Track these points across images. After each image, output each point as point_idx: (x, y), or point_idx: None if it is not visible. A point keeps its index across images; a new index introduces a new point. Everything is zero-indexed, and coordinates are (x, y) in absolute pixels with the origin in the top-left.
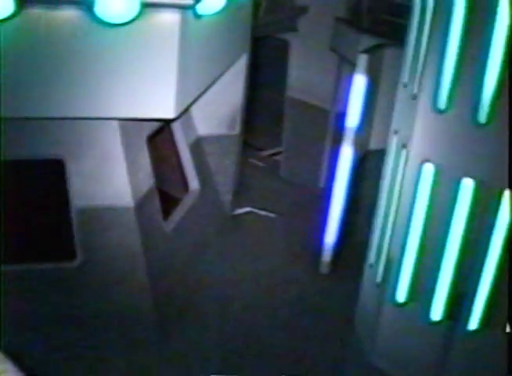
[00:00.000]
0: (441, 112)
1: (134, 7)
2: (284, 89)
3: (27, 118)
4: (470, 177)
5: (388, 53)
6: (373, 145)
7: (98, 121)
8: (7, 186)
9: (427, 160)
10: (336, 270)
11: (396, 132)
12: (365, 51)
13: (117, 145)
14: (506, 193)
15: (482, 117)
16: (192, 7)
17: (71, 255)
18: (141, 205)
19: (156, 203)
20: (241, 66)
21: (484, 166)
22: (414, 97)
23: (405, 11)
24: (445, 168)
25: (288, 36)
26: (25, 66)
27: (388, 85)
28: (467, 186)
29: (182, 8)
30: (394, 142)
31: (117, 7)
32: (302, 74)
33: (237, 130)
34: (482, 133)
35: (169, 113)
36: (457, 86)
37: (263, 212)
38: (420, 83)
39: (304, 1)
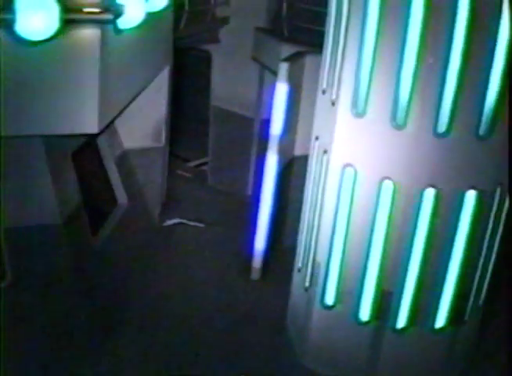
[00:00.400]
0: (359, 116)
1: (54, 24)
2: (208, 99)
3: None
4: (390, 179)
5: (309, 61)
6: (298, 151)
7: (22, 139)
8: None
9: (348, 165)
10: (267, 276)
11: (317, 138)
12: (286, 59)
13: (42, 162)
14: (426, 191)
15: (399, 119)
16: (112, 22)
17: (0, 276)
18: (69, 222)
19: (85, 219)
20: (164, 78)
21: (402, 168)
22: (333, 103)
23: (324, 19)
24: (365, 171)
25: (210, 47)
26: None
27: (310, 92)
28: (387, 187)
29: (102, 23)
30: (315, 148)
31: (37, 24)
32: (225, 84)
33: (163, 142)
34: (400, 135)
35: (93, 128)
36: (374, 90)
37: (192, 223)
38: (338, 89)
39: (225, 12)
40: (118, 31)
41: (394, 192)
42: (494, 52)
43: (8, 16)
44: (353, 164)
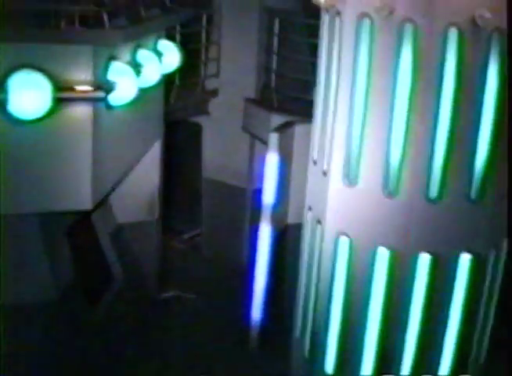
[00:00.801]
0: (351, 186)
1: (46, 103)
2: (200, 171)
3: None
4: (385, 246)
5: (299, 130)
6: (291, 219)
7: (16, 217)
8: None
9: (342, 234)
10: (265, 345)
11: (310, 208)
12: (276, 129)
13: (36, 239)
14: (421, 256)
15: (391, 187)
16: (104, 100)
17: None
18: (64, 298)
19: (80, 295)
20: (156, 151)
21: (396, 234)
22: (325, 173)
23: (314, 88)
24: (360, 239)
25: (200, 119)
26: None
27: (301, 161)
28: (383, 255)
29: (94, 101)
30: (309, 218)
31: (30, 104)
32: (217, 155)
33: (156, 215)
34: (392, 203)
35: (86, 205)
36: (364, 159)
37: (188, 295)
38: (329, 159)
39: (214, 85)
40: (110, 108)
41: (390, 258)
42: (480, 119)
43: (0, 96)
44: (347, 232)
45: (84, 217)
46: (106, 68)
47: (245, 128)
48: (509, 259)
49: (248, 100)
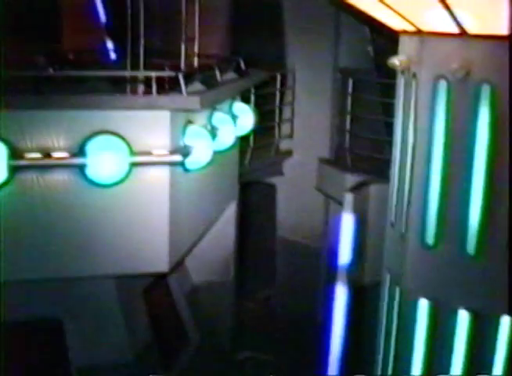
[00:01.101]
0: (429, 248)
1: (124, 167)
2: (275, 231)
3: (24, 281)
4: (465, 308)
5: (374, 190)
6: (367, 279)
7: (93, 278)
8: (6, 347)
9: (421, 296)
10: None
11: (388, 270)
12: (351, 189)
13: (113, 301)
14: (503, 319)
15: (470, 249)
16: (180, 163)
17: None
18: (140, 359)
19: (156, 356)
20: (231, 213)
21: (477, 296)
22: (402, 236)
23: (387, 147)
24: (440, 302)
25: (275, 180)
26: (20, 230)
27: (376, 221)
28: (463, 317)
29: (171, 165)
30: (387, 280)
31: (108, 168)
32: (291, 215)
33: (231, 276)
34: (472, 265)
35: (163, 267)
36: (443, 222)
37: (262, 356)
38: (407, 222)
39: (288, 146)
40: (187, 170)
41: (471, 321)
42: None
43: (79, 161)
44: (426, 295)
45: (160, 278)
46: (182, 132)
47: (319, 189)
48: None
49: (322, 160)
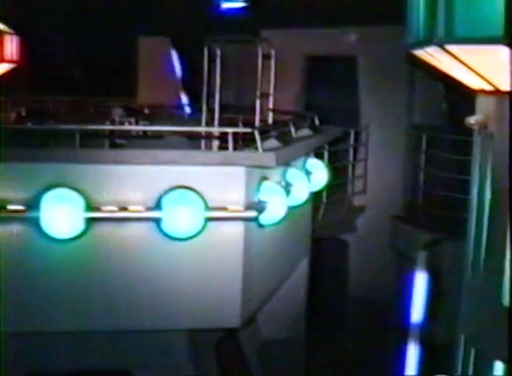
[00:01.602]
0: (508, 309)
1: (199, 222)
2: (347, 288)
3: (94, 331)
4: None
5: (448, 248)
6: (439, 338)
7: (165, 332)
8: None
9: (498, 359)
10: None
11: (463, 330)
12: (424, 247)
13: (184, 354)
14: None
15: None
16: (255, 219)
17: None
18: None
19: None
20: (303, 268)
21: None
22: (479, 295)
23: (461, 205)
24: None
25: (347, 236)
26: (95, 281)
27: (451, 279)
28: None
29: (245, 220)
30: (462, 340)
31: (183, 223)
32: (363, 272)
33: (301, 332)
34: None
35: (235, 322)
36: None
37: None
38: (484, 280)
39: (361, 202)
40: (261, 226)
41: None
42: None
43: (155, 214)
44: (503, 358)
45: (231, 332)
46: (257, 188)
47: (392, 245)
48: None
49: (395, 217)
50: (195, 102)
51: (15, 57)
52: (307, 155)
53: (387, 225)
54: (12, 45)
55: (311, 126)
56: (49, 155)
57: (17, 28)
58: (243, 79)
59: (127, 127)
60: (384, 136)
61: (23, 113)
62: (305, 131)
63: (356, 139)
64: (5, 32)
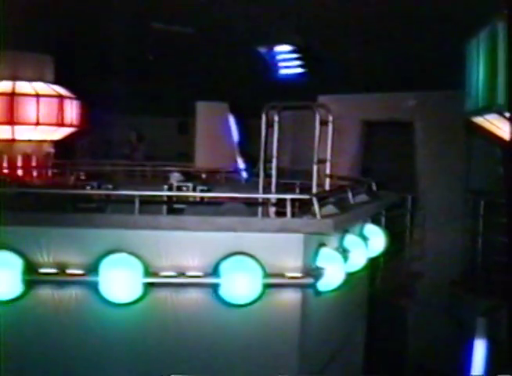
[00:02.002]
0: None
1: (256, 288)
2: (404, 354)
3: None
4: None
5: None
6: None
7: None
8: None
9: None
10: None
11: None
12: (484, 313)
13: None
14: None
15: None
16: (312, 286)
17: None
18: None
19: None
20: (359, 335)
21: None
22: None
23: None
24: None
25: (405, 301)
26: (150, 346)
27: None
28: None
29: (302, 287)
30: None
31: (241, 289)
32: (421, 338)
33: None
34: None
35: None
36: None
37: None
38: None
39: (419, 267)
40: (318, 293)
41: None
42: None
43: (213, 280)
44: None
45: None
46: (315, 255)
47: (450, 312)
48: None
49: (453, 283)
50: (252, 166)
51: (75, 121)
52: (364, 221)
53: (445, 291)
54: (72, 109)
55: (369, 192)
56: (109, 221)
57: (79, 92)
58: (300, 143)
59: (185, 193)
60: (441, 201)
61: (83, 177)
62: (363, 197)
63: (413, 204)
64: (66, 96)
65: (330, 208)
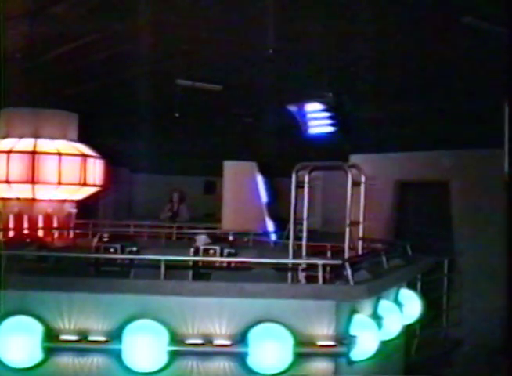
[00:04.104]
0: None
1: (287, 358)
2: None
3: None
4: None
5: None
6: None
7: None
8: None
9: None
10: None
11: None
12: None
13: None
14: None
15: None
16: (345, 354)
17: None
18: None
19: None
20: None
21: None
22: None
23: None
24: None
25: (443, 371)
26: None
27: None
28: None
29: (335, 356)
30: None
31: (271, 358)
32: None
33: None
34: None
35: None
36: None
37: None
38: None
39: (457, 334)
40: (351, 362)
41: None
42: None
43: (241, 349)
44: None
45: None
46: (347, 322)
47: None
48: None
49: (493, 350)
50: (281, 228)
51: (97, 181)
52: (399, 286)
53: (485, 359)
54: (94, 169)
55: (404, 255)
56: (133, 286)
57: (103, 151)
58: (331, 204)
59: (212, 258)
60: (479, 264)
61: (106, 238)
62: (397, 261)
63: (450, 268)
64: (89, 155)
65: (363, 273)
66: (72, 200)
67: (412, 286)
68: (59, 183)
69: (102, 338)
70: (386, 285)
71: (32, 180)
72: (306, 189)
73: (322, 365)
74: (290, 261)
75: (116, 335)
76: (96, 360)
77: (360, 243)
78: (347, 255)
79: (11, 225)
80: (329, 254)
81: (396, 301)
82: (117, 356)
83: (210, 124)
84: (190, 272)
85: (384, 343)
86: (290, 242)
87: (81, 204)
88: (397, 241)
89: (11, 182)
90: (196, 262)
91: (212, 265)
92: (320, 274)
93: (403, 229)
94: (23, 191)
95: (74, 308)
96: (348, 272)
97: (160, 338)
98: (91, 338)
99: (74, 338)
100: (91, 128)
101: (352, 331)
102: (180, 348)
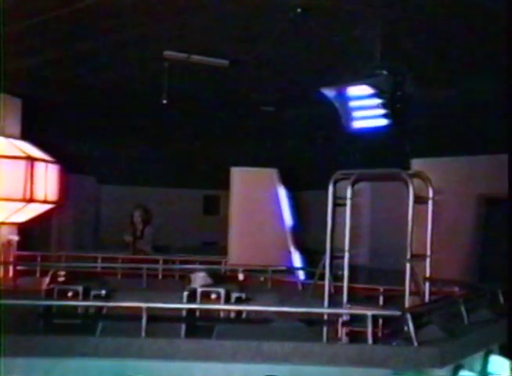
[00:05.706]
0: None
1: None
2: None
3: None
4: None
5: None
6: None
7: None
8: None
9: None
10: None
11: None
12: None
13: None
14: None
15: None
16: None
17: None
18: None
19: None
20: None
21: None
22: None
23: None
24: None
25: None
26: None
27: None
28: None
29: None
30: None
31: None
32: None
33: None
34: None
35: None
36: None
37: None
38: None
39: None
40: None
41: None
42: None
43: None
44: None
45: None
46: None
47: None
48: None
49: None
50: (309, 262)
51: (50, 195)
52: (488, 350)
53: None
54: (46, 178)
55: (493, 304)
56: (102, 346)
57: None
58: (382, 229)
59: (214, 306)
60: None
61: (61, 278)
62: (484, 314)
63: None
64: (38, 159)
65: (433, 330)
66: (12, 223)
67: (506, 350)
68: None
69: None
70: (468, 348)
71: None
72: (348, 208)
73: None
74: (325, 311)
75: None
76: None
77: (427, 285)
78: (408, 303)
79: None
80: (381, 300)
81: (483, 373)
82: None
83: (212, 115)
84: (184, 326)
85: None
86: (326, 283)
87: (25, 229)
88: (482, 284)
89: None
90: (191, 312)
91: (215, 315)
92: (369, 330)
93: (491, 266)
94: None
95: None
96: (411, 327)
97: None
98: None
99: None
100: (43, 122)
101: None
102: None
